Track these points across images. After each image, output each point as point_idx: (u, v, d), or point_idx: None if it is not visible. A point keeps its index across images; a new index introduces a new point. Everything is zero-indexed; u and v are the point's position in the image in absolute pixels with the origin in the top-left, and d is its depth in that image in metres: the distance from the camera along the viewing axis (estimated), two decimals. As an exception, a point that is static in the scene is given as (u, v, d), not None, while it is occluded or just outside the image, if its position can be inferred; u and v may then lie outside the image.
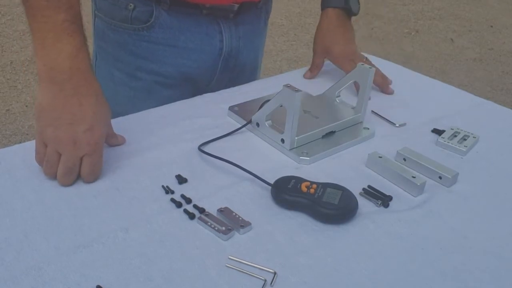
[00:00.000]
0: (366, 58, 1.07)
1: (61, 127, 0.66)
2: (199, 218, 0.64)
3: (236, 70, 1.03)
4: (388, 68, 1.08)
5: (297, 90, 0.73)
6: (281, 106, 0.76)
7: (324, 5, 1.05)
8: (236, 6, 0.94)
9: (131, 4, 0.90)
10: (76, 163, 0.67)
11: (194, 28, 0.93)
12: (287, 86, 0.74)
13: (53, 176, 0.68)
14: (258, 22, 1.03)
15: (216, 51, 0.97)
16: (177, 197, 0.68)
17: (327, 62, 1.08)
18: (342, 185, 0.68)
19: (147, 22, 0.91)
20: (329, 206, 0.65)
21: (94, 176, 0.69)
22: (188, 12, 0.92)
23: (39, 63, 0.66)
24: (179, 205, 0.66)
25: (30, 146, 0.71)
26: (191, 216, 0.64)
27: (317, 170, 0.76)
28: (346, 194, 0.67)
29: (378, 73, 1.02)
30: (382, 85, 1.02)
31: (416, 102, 1.00)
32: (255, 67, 1.10)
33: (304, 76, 1.08)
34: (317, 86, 1.01)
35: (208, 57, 0.97)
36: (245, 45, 1.01)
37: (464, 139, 0.85)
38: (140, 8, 0.90)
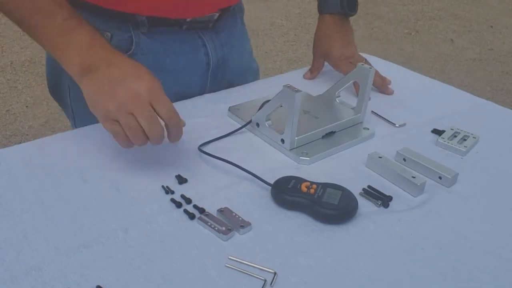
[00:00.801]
0: (366, 59, 1.07)
1: (118, 92, 0.65)
2: (199, 218, 0.64)
3: (225, 80, 1.00)
4: (388, 68, 1.09)
5: (297, 90, 0.73)
6: (281, 106, 0.77)
7: (320, 11, 1.04)
8: (217, 15, 0.91)
9: (107, 33, 0.85)
10: (152, 111, 0.65)
11: (177, 47, 0.90)
12: (287, 86, 0.74)
13: (144, 142, 0.67)
14: (235, 23, 1.01)
15: (203, 65, 0.94)
16: (177, 197, 0.68)
17: (327, 62, 1.08)
18: (342, 185, 0.68)
19: (128, 51, 0.87)
20: (329, 206, 0.65)
21: (174, 117, 0.67)
22: (168, 31, 0.89)
23: (69, 68, 0.68)
24: (179, 205, 0.66)
25: (30, 146, 0.71)
26: (191, 216, 0.64)
27: (317, 170, 0.76)
28: (346, 194, 0.67)
29: (377, 74, 1.02)
30: (382, 86, 1.02)
31: (416, 102, 1.00)
32: (246, 70, 1.07)
33: (304, 77, 1.08)
34: (317, 86, 1.01)
35: (196, 74, 0.95)
36: (230, 51, 0.98)
37: (464, 139, 0.85)
38: (118, 36, 0.86)
